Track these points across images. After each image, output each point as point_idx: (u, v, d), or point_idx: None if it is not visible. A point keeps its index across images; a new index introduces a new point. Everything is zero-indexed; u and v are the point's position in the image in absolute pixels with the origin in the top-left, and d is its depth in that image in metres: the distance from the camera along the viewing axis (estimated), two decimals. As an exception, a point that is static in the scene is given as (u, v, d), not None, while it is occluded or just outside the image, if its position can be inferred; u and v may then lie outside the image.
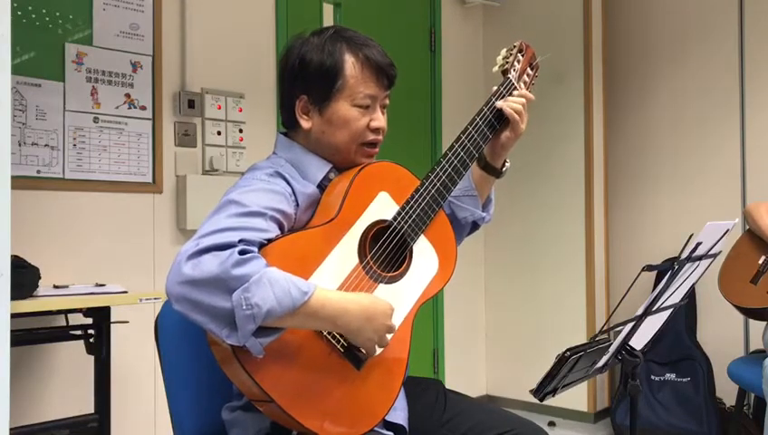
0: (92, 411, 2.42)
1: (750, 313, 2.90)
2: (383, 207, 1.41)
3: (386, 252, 1.40)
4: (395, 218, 1.41)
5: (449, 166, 1.48)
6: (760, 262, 2.84)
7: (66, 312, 2.39)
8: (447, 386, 1.61)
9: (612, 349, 1.53)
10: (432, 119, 4.03)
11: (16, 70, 2.50)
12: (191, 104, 2.95)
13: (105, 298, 2.36)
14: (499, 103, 1.54)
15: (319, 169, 1.45)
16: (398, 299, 1.38)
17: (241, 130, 3.12)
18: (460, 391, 1.62)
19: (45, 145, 2.58)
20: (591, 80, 3.89)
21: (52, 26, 2.62)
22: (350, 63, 1.42)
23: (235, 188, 1.35)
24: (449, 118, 4.05)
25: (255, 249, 1.21)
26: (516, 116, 1.53)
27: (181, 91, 2.94)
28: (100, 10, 2.73)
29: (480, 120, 1.53)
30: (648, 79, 3.99)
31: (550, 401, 1.51)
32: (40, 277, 2.28)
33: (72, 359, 2.57)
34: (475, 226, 1.69)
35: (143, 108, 2.84)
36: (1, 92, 0.84)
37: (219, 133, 3.05)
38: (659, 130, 3.95)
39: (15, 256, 2.24)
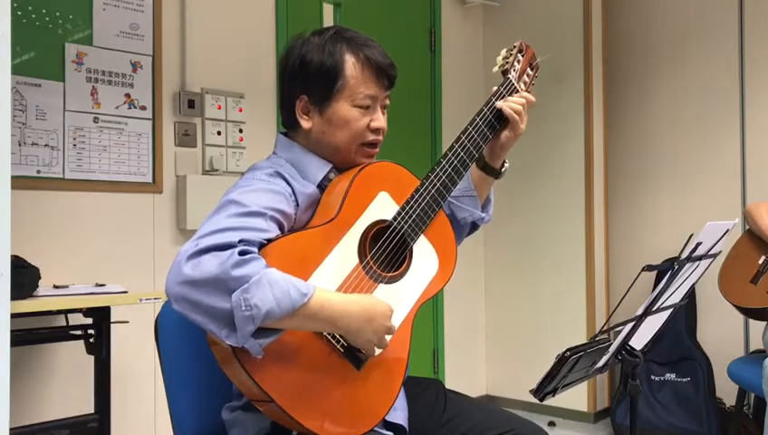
0: (92, 411, 2.42)
1: (750, 313, 2.90)
2: (383, 207, 1.41)
3: (386, 252, 1.40)
4: (395, 218, 1.41)
5: (449, 166, 1.48)
6: (760, 262, 2.84)
7: (66, 312, 2.39)
8: (447, 386, 1.61)
9: (612, 349, 1.53)
10: (432, 119, 4.03)
11: (16, 70, 2.50)
12: (191, 104, 2.95)
13: (105, 298, 2.36)
14: (499, 103, 1.54)
15: (319, 169, 1.45)
16: (398, 299, 1.38)
17: (241, 130, 3.12)
18: (460, 391, 1.62)
19: (45, 145, 2.58)
20: (591, 80, 3.89)
21: (52, 26, 2.62)
22: (350, 64, 1.42)
23: (235, 188, 1.35)
24: (449, 118, 4.05)
25: (255, 250, 1.21)
26: (516, 116, 1.53)
27: (181, 91, 2.94)
28: (100, 10, 2.73)
29: (480, 120, 1.53)
30: (648, 79, 3.99)
31: (550, 401, 1.51)
32: (40, 277, 2.28)
33: (72, 359, 2.57)
34: (474, 226, 1.69)
35: (143, 108, 2.84)
36: (1, 92, 0.84)
37: (219, 133, 3.05)
38: (659, 130, 3.95)
39: (15, 256, 2.24)
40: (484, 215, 1.65)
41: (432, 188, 1.45)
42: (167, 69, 2.91)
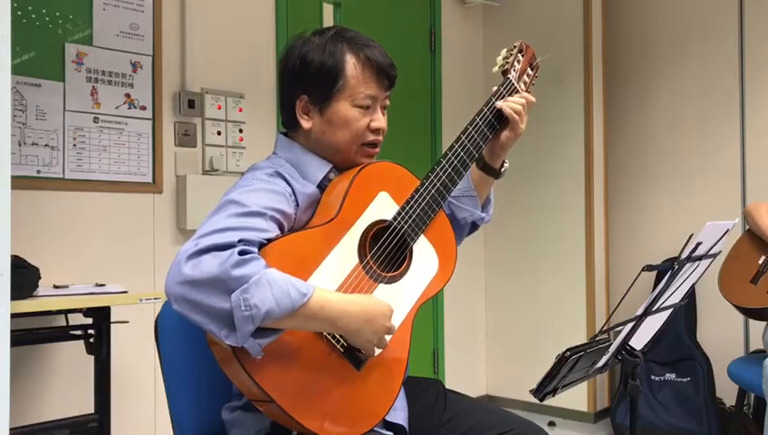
0: (92, 411, 2.42)
1: (750, 313, 2.90)
2: (383, 207, 1.41)
3: (386, 252, 1.40)
4: (395, 218, 1.41)
5: (449, 166, 1.48)
6: (760, 262, 2.84)
7: (66, 312, 2.39)
8: (447, 386, 1.61)
9: (612, 349, 1.53)
10: (432, 119, 4.03)
11: (16, 70, 2.50)
12: (191, 104, 2.95)
13: (105, 298, 2.36)
14: (499, 103, 1.54)
15: (319, 169, 1.45)
16: (398, 299, 1.38)
17: (241, 130, 3.12)
18: (460, 391, 1.62)
19: (45, 145, 2.58)
20: (591, 80, 3.89)
21: (52, 26, 2.62)
22: (351, 64, 1.42)
23: (235, 188, 1.35)
24: (449, 118, 4.05)
25: (255, 249, 1.21)
26: (516, 116, 1.53)
27: (181, 91, 2.94)
28: (100, 10, 2.73)
29: (480, 120, 1.53)
30: (648, 79, 3.99)
31: (550, 401, 1.51)
32: (40, 277, 2.28)
33: (72, 359, 2.57)
34: (474, 226, 1.69)
35: (143, 108, 2.84)
36: (1, 92, 0.84)
37: (219, 133, 3.05)
38: (659, 130, 3.95)
39: (15, 256, 2.24)
40: (484, 215, 1.65)
41: (432, 188, 1.45)
42: (167, 69, 2.91)
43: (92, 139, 2.70)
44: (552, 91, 3.87)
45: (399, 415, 1.41)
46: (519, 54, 1.62)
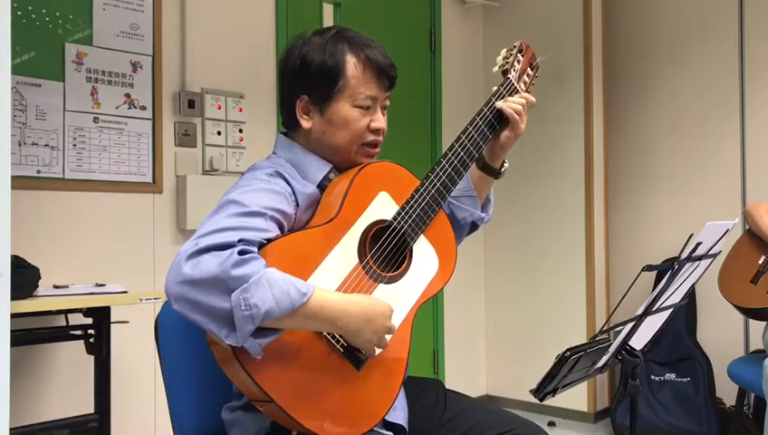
0: (92, 411, 2.42)
1: (750, 313, 2.90)
2: (383, 207, 1.41)
3: (386, 252, 1.40)
4: (395, 218, 1.41)
5: (449, 166, 1.48)
6: (760, 262, 2.84)
7: (66, 312, 2.39)
8: (447, 386, 1.61)
9: (612, 349, 1.53)
10: (432, 119, 4.03)
11: (16, 70, 2.50)
12: (191, 104, 2.95)
13: (105, 298, 2.36)
14: (499, 104, 1.54)
15: (319, 169, 1.45)
16: (398, 299, 1.38)
17: (241, 130, 3.12)
18: (460, 391, 1.62)
19: (45, 145, 2.58)
20: (591, 80, 3.89)
21: (52, 26, 2.62)
22: (351, 64, 1.42)
23: (235, 188, 1.35)
24: (449, 118, 4.05)
25: (255, 249, 1.21)
26: (516, 116, 1.53)
27: (181, 91, 2.94)
28: (100, 10, 2.73)
29: (480, 120, 1.53)
30: (648, 79, 3.99)
31: (550, 401, 1.51)
32: (40, 277, 2.28)
33: (72, 359, 2.57)
34: (474, 226, 1.69)
35: (143, 108, 2.84)
36: (1, 92, 0.84)
37: (219, 133, 3.05)
38: (659, 130, 3.95)
39: (15, 256, 2.24)
40: (483, 215, 1.65)
41: (432, 187, 1.45)
42: (167, 69, 2.91)
43: (92, 139, 2.70)
44: (551, 91, 3.87)
45: (399, 415, 1.41)
46: (519, 54, 1.63)
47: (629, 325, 1.52)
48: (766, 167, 3.60)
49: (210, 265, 1.15)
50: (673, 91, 3.90)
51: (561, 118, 3.95)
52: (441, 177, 1.47)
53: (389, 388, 1.35)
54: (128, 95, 2.80)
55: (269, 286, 1.16)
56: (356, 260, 1.35)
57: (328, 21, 3.49)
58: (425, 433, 1.47)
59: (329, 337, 1.28)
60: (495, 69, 1.63)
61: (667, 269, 1.49)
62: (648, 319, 1.56)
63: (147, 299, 2.39)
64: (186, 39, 2.96)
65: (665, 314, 1.67)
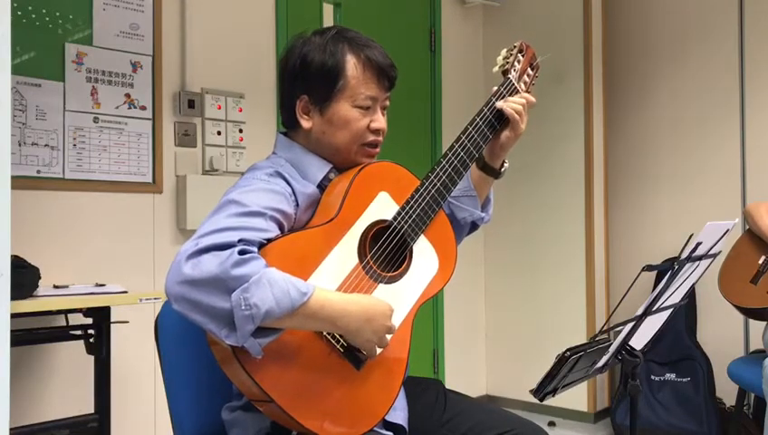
0: (92, 411, 2.42)
1: (750, 313, 2.90)
2: (383, 207, 1.41)
3: (386, 252, 1.40)
4: (395, 218, 1.42)
5: (449, 166, 1.48)
6: (760, 262, 2.84)
7: (66, 312, 2.39)
8: (447, 386, 1.61)
9: (612, 349, 1.53)
10: (432, 119, 4.03)
11: (16, 70, 2.50)
12: (191, 104, 2.95)
13: (105, 298, 2.36)
14: (499, 104, 1.54)
15: (319, 169, 1.45)
16: (398, 299, 1.38)
17: (241, 130, 3.12)
18: (460, 391, 1.62)
19: (45, 145, 2.58)
20: (591, 80, 3.89)
21: (52, 26, 2.62)
22: (351, 64, 1.42)
23: (235, 188, 1.35)
24: (449, 118, 4.05)
25: (255, 249, 1.21)
26: (516, 116, 1.53)
27: (181, 91, 2.94)
28: (100, 10, 2.73)
29: (480, 120, 1.53)
30: (648, 79, 3.99)
31: (550, 401, 1.51)
32: (40, 277, 2.28)
33: (72, 359, 2.57)
34: (474, 226, 1.69)
35: (143, 108, 2.84)
36: (1, 92, 0.84)
37: (219, 133, 3.05)
38: (659, 130, 3.95)
39: (15, 256, 2.24)
40: (483, 215, 1.65)
41: (432, 187, 1.45)
42: (167, 69, 2.91)
43: (92, 139, 2.70)
44: (551, 91, 3.87)
45: (399, 415, 1.41)
46: (519, 54, 1.62)
47: (629, 325, 1.52)
48: (766, 167, 3.60)
49: (210, 265, 1.15)
50: (673, 91, 3.90)
51: (561, 118, 3.95)
52: (441, 177, 1.47)
53: (389, 388, 1.35)
54: (128, 95, 2.80)
55: (269, 286, 1.16)
56: (356, 260, 1.35)
57: (328, 21, 3.49)
58: (425, 433, 1.47)
59: (329, 337, 1.28)
60: (495, 69, 1.63)
61: (667, 269, 1.49)
62: (648, 319, 1.56)
63: (147, 299, 2.39)
64: (186, 39, 2.96)
65: (665, 314, 1.67)
